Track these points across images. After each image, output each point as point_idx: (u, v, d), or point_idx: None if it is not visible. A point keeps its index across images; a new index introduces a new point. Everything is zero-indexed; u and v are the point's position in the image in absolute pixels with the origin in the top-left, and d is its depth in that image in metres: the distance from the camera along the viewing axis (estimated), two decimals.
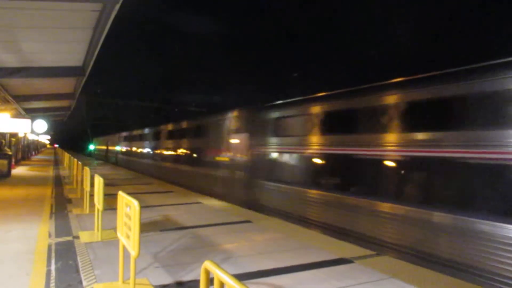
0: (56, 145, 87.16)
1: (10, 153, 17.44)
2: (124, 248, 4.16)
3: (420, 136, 6.87)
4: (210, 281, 2.38)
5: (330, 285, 4.42)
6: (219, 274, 2.20)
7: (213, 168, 14.47)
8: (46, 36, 7.56)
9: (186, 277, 4.57)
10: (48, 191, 12.11)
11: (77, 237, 6.32)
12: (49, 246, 5.76)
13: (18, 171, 20.11)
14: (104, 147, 46.57)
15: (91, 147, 58.93)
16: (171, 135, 21.08)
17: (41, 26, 7.00)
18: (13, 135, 21.75)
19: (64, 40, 7.97)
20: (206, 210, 9.27)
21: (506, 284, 5.31)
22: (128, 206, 3.94)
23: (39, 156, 43.34)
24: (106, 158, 43.03)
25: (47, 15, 6.43)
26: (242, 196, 11.85)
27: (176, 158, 19.83)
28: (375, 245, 7.11)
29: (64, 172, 20.51)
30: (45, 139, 54.40)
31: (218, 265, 2.28)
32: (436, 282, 4.65)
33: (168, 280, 4.49)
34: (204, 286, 2.39)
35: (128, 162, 31.57)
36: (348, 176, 8.53)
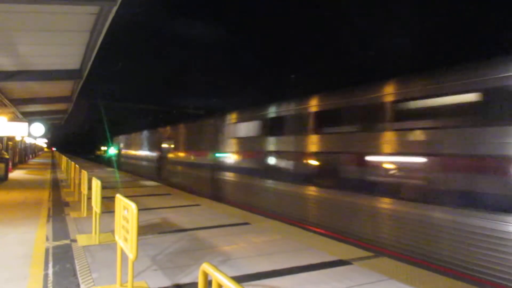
0: (54, 149, 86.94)
1: (7, 156, 17.38)
2: (122, 251, 4.15)
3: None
4: (209, 283, 2.37)
5: (329, 287, 4.42)
6: (217, 276, 2.19)
7: None
8: (43, 39, 7.55)
9: (185, 280, 4.56)
10: (45, 195, 12.07)
11: (75, 241, 6.29)
12: (47, 250, 5.74)
13: (16, 174, 20.04)
14: (146, 153, 25.17)
15: (112, 150, 38.08)
16: None
17: (37, 29, 6.99)
18: (10, 138, 21.68)
19: (61, 43, 7.96)
20: (205, 212, 9.26)
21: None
22: (126, 209, 3.94)
23: (37, 160, 43.19)
24: (159, 171, 21.65)
25: (44, 18, 6.42)
26: None
27: None
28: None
29: (61, 175, 20.45)
30: (42, 142, 54.25)
31: (216, 267, 2.28)
32: (434, 283, 4.65)
33: (166, 283, 4.48)
34: None
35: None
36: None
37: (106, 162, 42.71)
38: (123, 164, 31.76)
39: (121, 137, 35.37)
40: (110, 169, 28.32)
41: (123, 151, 33.56)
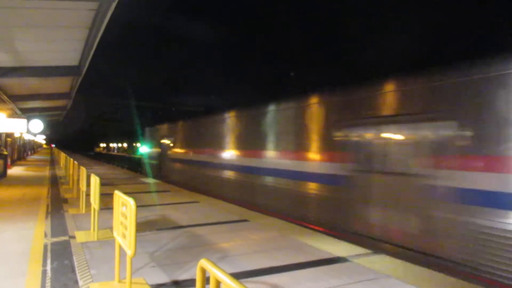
0: (53, 145, 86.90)
1: (6, 153, 17.36)
2: (121, 248, 4.15)
3: None
4: (207, 280, 2.37)
5: (327, 284, 4.43)
6: (215, 272, 2.19)
7: None
8: (41, 35, 7.52)
9: (183, 276, 4.57)
10: (44, 191, 12.06)
11: (73, 237, 6.30)
12: (45, 246, 5.74)
13: (14, 171, 20.02)
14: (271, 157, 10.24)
15: (144, 149, 24.29)
16: None
17: (36, 25, 6.97)
18: (9, 135, 21.65)
19: (60, 40, 7.94)
20: (203, 209, 9.26)
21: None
22: (124, 205, 3.94)
23: (35, 156, 43.15)
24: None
25: (43, 14, 6.40)
26: None
27: None
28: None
29: (60, 172, 20.43)
30: (41, 139, 54.18)
31: (214, 263, 2.28)
32: (431, 280, 4.67)
33: (164, 279, 4.48)
34: (200, 285, 2.39)
35: None
36: None
37: (133, 165, 28.07)
38: (174, 173, 17.83)
39: (167, 127, 19.88)
40: (146, 179, 17.54)
41: (173, 151, 18.18)
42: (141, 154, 24.32)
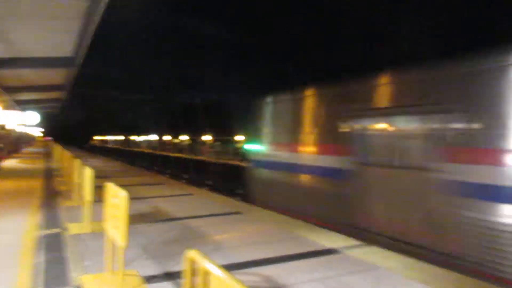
0: (50, 138, 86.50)
1: (0, 145, 17.28)
2: (114, 240, 4.15)
3: None
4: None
5: (319, 274, 4.46)
6: (202, 263, 2.20)
7: None
8: (35, 26, 7.47)
9: (175, 268, 4.58)
10: (38, 184, 12.03)
11: (66, 229, 6.29)
12: (38, 238, 5.73)
13: (8, 163, 19.93)
14: None
15: (255, 147, 10.18)
16: None
17: (30, 16, 6.91)
18: (3, 127, 21.53)
19: (55, 30, 7.88)
20: (197, 201, 9.27)
21: None
22: (116, 197, 3.93)
23: (31, 149, 42.96)
24: None
25: (37, 5, 6.35)
26: None
27: None
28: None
29: (55, 164, 20.35)
30: (37, 131, 53.92)
31: (202, 254, 2.28)
32: (423, 271, 4.71)
33: (156, 271, 4.50)
34: (188, 276, 2.40)
35: None
36: None
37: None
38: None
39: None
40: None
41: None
42: (250, 158, 11.38)
